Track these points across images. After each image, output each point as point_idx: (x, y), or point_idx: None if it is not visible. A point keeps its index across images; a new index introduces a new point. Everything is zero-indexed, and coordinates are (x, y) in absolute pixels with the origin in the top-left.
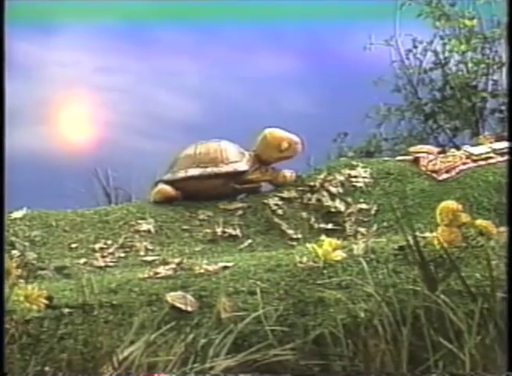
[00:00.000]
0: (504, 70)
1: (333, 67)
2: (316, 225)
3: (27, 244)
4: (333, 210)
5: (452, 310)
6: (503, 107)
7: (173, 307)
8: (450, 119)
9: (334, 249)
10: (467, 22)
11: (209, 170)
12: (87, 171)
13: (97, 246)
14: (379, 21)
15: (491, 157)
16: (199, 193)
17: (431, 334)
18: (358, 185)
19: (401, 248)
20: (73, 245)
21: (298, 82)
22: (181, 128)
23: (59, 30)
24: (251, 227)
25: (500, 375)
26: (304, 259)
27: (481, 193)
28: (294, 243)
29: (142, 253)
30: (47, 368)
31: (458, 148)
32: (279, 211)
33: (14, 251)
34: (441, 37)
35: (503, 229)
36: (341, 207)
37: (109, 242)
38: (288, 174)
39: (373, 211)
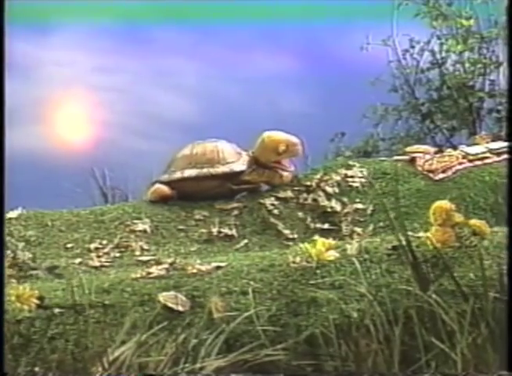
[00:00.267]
0: (501, 69)
1: (331, 67)
2: (312, 225)
3: (19, 243)
4: (329, 210)
5: (444, 310)
6: (500, 107)
7: (165, 307)
8: (447, 119)
9: (327, 249)
10: (464, 22)
11: (205, 171)
12: (84, 171)
13: (92, 246)
14: (376, 21)
15: (487, 157)
16: (195, 194)
17: (423, 334)
18: (355, 185)
19: (394, 248)
20: (69, 245)
21: (296, 82)
22: (178, 128)
23: (56, 30)
24: (247, 227)
25: (492, 375)
26: (298, 259)
27: (478, 193)
28: (290, 243)
29: (137, 253)
30: (37, 369)
31: (455, 148)
32: (275, 211)
33: (7, 252)
34: (438, 37)
35: (498, 228)
36: (337, 207)
37: (104, 242)
38: (285, 174)
39: (369, 211)
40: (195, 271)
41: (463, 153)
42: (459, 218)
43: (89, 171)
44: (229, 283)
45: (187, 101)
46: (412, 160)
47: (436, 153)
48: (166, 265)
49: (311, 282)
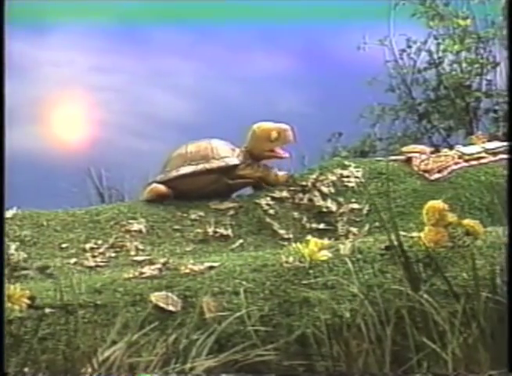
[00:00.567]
0: (498, 69)
1: (328, 67)
2: (308, 225)
3: (12, 244)
4: (324, 210)
5: (435, 310)
6: (497, 107)
7: (157, 307)
8: (444, 119)
9: (320, 249)
10: (461, 22)
11: (201, 166)
12: (80, 171)
13: (87, 246)
14: (373, 21)
15: (483, 157)
16: (192, 192)
17: (415, 334)
18: (350, 185)
19: (387, 248)
20: (64, 245)
21: (293, 82)
22: (175, 128)
23: (53, 30)
24: (243, 227)
25: (483, 375)
26: (291, 259)
27: (473, 193)
28: (286, 243)
29: (132, 253)
30: (26, 369)
31: (452, 148)
32: (271, 211)
33: None
34: (435, 37)
35: (492, 228)
36: (333, 207)
37: (99, 242)
38: (280, 173)
39: (364, 211)
40: (187, 271)
41: (459, 153)
42: (452, 217)
43: (86, 170)
44: (222, 283)
45: (184, 101)
46: (409, 160)
47: (432, 153)
48: (159, 265)
49: (304, 282)
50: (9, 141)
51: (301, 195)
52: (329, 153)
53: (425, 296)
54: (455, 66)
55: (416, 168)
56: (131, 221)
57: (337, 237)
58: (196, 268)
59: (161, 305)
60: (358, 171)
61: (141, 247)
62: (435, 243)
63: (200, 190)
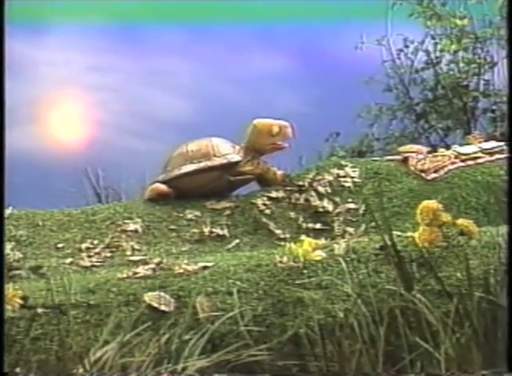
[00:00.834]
0: (496, 69)
1: (325, 67)
2: (304, 225)
3: (6, 243)
4: (321, 210)
5: (428, 310)
6: (495, 107)
7: (150, 307)
8: (442, 119)
9: (314, 249)
10: (459, 21)
11: (202, 164)
12: (77, 171)
13: (83, 246)
14: (370, 21)
15: (479, 157)
16: (193, 190)
17: (408, 334)
18: (347, 185)
19: (382, 248)
20: (60, 245)
21: (290, 82)
22: (172, 128)
23: (50, 30)
24: (239, 227)
25: (475, 375)
26: (285, 259)
27: (470, 193)
28: (282, 243)
29: (128, 253)
30: (18, 369)
31: (449, 148)
32: (267, 211)
33: None
34: (433, 37)
35: (486, 228)
36: (329, 206)
37: (95, 242)
38: (279, 173)
39: (361, 211)
40: (181, 271)
41: (456, 153)
42: (446, 217)
43: (83, 170)
44: (215, 283)
45: (182, 101)
46: (405, 160)
47: (429, 152)
48: (153, 265)
49: (298, 282)
50: (6, 141)
51: (297, 195)
52: (326, 153)
53: (418, 296)
54: (452, 66)
55: (412, 168)
56: (127, 221)
57: (334, 237)
58: (189, 268)
59: (154, 305)
60: (354, 171)
61: (137, 247)
62: (429, 243)
63: (201, 188)
